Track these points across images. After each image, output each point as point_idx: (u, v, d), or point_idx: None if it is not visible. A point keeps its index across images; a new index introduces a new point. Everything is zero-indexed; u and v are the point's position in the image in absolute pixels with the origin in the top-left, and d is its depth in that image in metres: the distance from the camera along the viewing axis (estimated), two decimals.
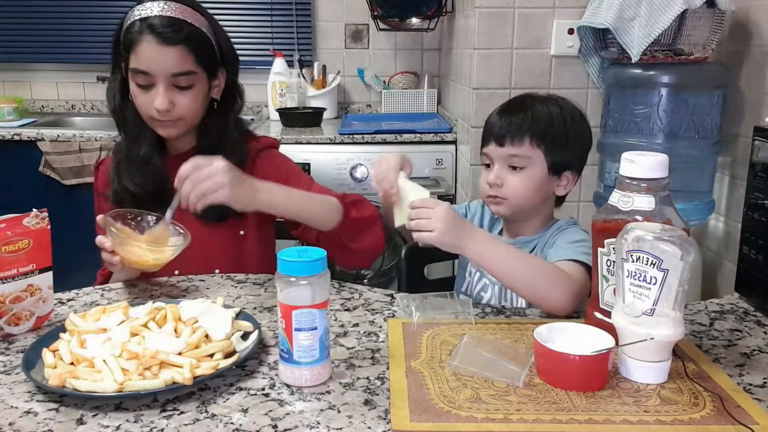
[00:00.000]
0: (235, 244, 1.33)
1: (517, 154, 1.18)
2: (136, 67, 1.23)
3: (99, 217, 1.13)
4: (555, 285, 1.02)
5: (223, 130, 1.34)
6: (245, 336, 0.93)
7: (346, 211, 1.23)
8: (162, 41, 1.21)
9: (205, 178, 1.06)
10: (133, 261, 1.13)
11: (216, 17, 1.32)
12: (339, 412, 0.77)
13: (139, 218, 1.19)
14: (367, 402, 0.79)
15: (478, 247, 1.05)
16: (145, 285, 1.20)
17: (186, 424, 0.74)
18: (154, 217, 1.19)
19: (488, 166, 1.23)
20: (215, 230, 1.30)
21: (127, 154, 1.32)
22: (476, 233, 1.07)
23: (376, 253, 1.32)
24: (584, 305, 0.98)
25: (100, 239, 1.14)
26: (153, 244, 1.13)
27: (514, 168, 1.19)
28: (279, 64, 2.92)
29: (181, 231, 1.17)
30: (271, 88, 2.91)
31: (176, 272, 1.27)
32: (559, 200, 1.28)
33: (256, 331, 0.92)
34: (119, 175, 1.31)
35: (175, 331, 0.90)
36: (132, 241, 1.12)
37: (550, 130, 1.18)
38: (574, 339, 0.85)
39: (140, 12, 1.23)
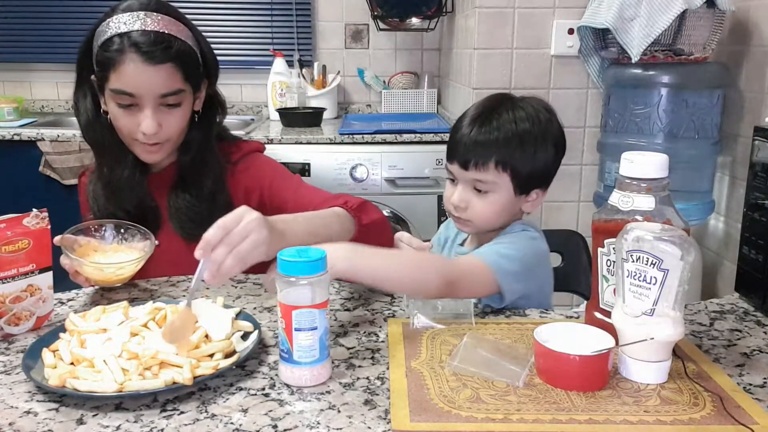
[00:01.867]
0: None
1: (481, 180, 1.11)
2: (119, 88, 1.15)
3: (57, 238, 1.06)
4: (424, 271, 0.98)
5: (204, 144, 1.27)
6: (245, 336, 0.93)
7: (357, 219, 1.16)
8: (149, 60, 1.12)
9: (241, 238, 0.90)
10: (98, 280, 1.11)
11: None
12: (339, 412, 0.77)
13: (103, 228, 1.16)
14: (367, 402, 0.79)
15: (352, 264, 0.95)
16: (145, 285, 1.20)
17: (186, 424, 0.74)
18: (113, 225, 1.16)
19: (453, 180, 1.16)
20: None
21: (108, 179, 1.25)
22: (366, 253, 0.98)
23: None
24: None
25: (62, 259, 1.10)
26: (109, 264, 1.10)
27: (479, 191, 1.12)
28: (279, 64, 2.92)
29: (147, 235, 1.14)
30: (271, 88, 2.91)
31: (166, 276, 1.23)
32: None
33: (256, 331, 0.92)
34: (97, 201, 1.26)
35: None
36: (87, 262, 1.09)
37: (516, 153, 1.10)
38: (574, 339, 0.85)
39: (117, 26, 1.14)
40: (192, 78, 1.21)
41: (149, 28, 1.14)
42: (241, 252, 0.89)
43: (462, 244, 1.28)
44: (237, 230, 0.89)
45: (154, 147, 1.21)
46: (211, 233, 0.88)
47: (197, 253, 0.88)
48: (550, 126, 1.14)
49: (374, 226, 1.17)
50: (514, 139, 1.10)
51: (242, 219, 0.91)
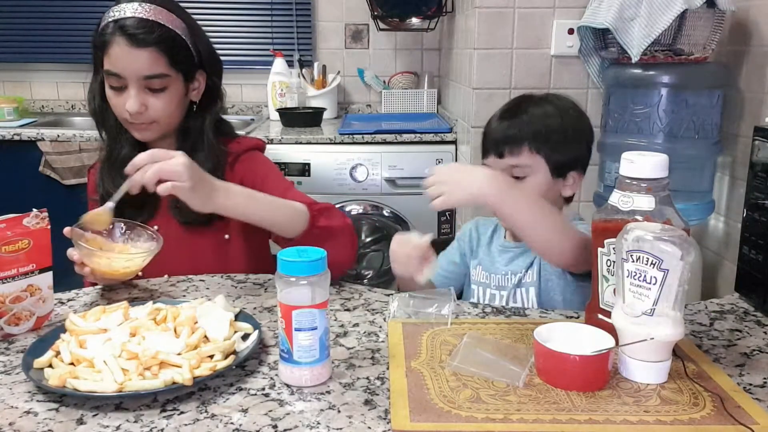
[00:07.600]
0: (220, 248, 1.32)
1: (517, 164, 1.16)
2: (108, 69, 1.23)
3: (66, 230, 1.10)
4: (565, 235, 1.01)
5: (202, 132, 1.32)
6: (245, 336, 0.92)
7: (312, 218, 1.17)
8: (132, 43, 1.20)
9: (164, 162, 1.03)
10: (104, 272, 1.12)
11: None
12: (339, 412, 0.77)
13: (111, 226, 1.17)
14: (367, 402, 0.79)
15: (514, 203, 1.00)
16: (145, 285, 1.20)
17: (186, 424, 0.74)
18: (122, 224, 1.17)
19: None
20: (199, 235, 1.29)
21: (108, 155, 1.32)
22: (519, 189, 1.03)
23: (344, 267, 1.23)
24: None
25: (69, 251, 1.12)
26: (119, 254, 1.12)
27: (517, 178, 1.16)
28: (279, 64, 2.92)
29: (153, 236, 1.16)
30: (271, 88, 2.91)
31: (166, 276, 1.25)
32: (567, 199, 1.27)
33: (256, 332, 0.92)
34: (103, 180, 1.31)
35: (175, 331, 0.90)
36: (98, 252, 1.10)
37: (546, 134, 1.16)
38: (574, 339, 0.85)
39: (114, 13, 1.23)
40: (180, 66, 1.26)
41: (139, 15, 1.21)
42: (160, 170, 1.02)
43: (505, 238, 1.29)
44: (164, 159, 1.03)
45: (141, 126, 1.27)
46: (140, 156, 1.04)
47: (127, 169, 1.05)
48: (579, 120, 1.23)
49: (329, 230, 1.18)
50: (541, 122, 1.17)
51: (171, 154, 1.04)
